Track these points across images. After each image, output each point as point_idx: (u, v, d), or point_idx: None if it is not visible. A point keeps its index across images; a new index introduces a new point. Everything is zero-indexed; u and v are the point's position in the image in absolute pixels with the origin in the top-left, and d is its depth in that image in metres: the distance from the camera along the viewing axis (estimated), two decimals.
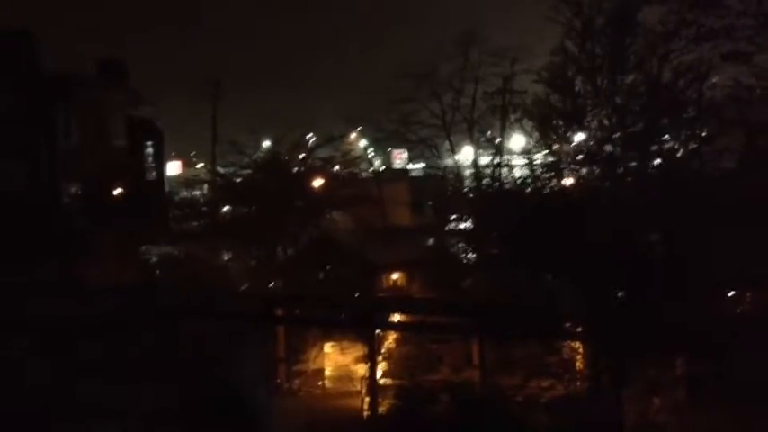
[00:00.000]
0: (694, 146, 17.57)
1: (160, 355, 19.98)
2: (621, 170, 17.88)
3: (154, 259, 30.33)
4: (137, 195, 31.16)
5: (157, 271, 29.05)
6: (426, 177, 34.93)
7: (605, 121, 17.89)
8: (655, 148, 17.87)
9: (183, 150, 45.57)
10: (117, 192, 31.37)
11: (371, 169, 36.56)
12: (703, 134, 17.54)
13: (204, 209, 31.22)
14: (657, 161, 18.11)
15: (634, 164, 17.98)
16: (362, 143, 38.62)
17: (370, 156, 37.68)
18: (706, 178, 17.41)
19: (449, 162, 30.70)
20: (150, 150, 33.83)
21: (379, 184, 34.00)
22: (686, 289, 16.02)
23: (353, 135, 37.98)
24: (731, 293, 17.57)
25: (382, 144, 36.55)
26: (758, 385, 14.39)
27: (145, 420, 18.19)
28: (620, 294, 17.16)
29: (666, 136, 17.70)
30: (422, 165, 35.68)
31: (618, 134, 17.73)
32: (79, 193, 30.36)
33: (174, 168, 43.59)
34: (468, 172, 29.46)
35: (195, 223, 30.35)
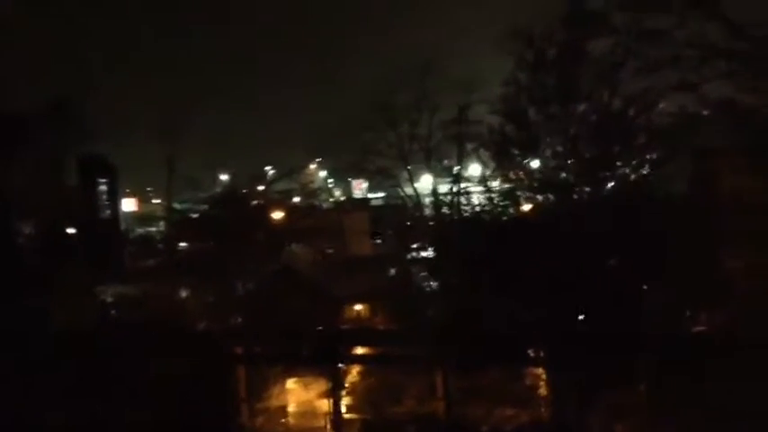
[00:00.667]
0: (645, 171, 17.93)
1: (115, 396, 19.44)
2: (576, 196, 18.12)
3: (109, 299, 29.63)
4: (91, 233, 30.52)
5: (113, 310, 28.37)
6: (387, 206, 35.05)
7: (559, 149, 18.17)
8: (608, 173, 18.17)
9: (138, 187, 44.92)
10: (70, 230, 30.67)
11: (332, 200, 36.55)
12: (654, 159, 17.91)
13: (161, 245, 30.70)
14: (610, 186, 18.39)
15: (588, 189, 18.24)
16: (322, 174, 38.62)
17: (329, 186, 37.68)
18: (657, 202, 17.74)
19: (408, 191, 30.83)
20: (104, 188, 33.26)
21: (339, 214, 33.94)
22: (643, 312, 16.21)
23: (313, 166, 37.97)
24: (687, 314, 17.85)
25: (341, 174, 36.64)
26: (717, 408, 14.58)
27: None
28: (580, 318, 17.28)
29: (619, 162, 18.02)
30: (382, 194, 35.82)
31: (572, 161, 18.00)
32: (32, 232, 29.61)
33: (129, 205, 42.90)
34: (427, 200, 29.61)
35: (152, 260, 29.80)
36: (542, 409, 18.89)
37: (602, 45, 17.08)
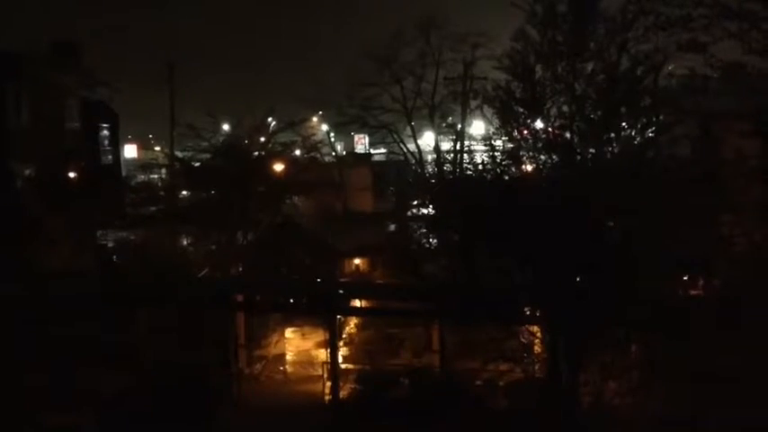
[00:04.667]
0: (651, 134, 17.80)
1: (115, 341, 19.73)
2: (579, 157, 18.04)
3: (110, 244, 29.82)
4: (91, 179, 30.53)
5: (114, 256, 28.58)
6: (388, 162, 35.03)
7: (564, 108, 18.01)
8: (612, 135, 18.05)
9: (140, 133, 44.77)
10: (71, 175, 30.66)
11: (333, 154, 36.50)
12: (660, 122, 17.77)
13: (162, 193, 30.72)
14: (614, 148, 18.29)
15: (592, 151, 18.16)
16: (324, 127, 38.48)
17: (331, 140, 37.57)
18: (661, 165, 17.67)
19: (411, 147, 30.80)
20: (105, 133, 33.12)
21: (340, 168, 33.97)
22: (640, 274, 16.32)
23: (315, 119, 37.80)
24: (684, 278, 17.96)
25: (344, 128, 36.47)
26: (709, 369, 14.79)
27: (96, 409, 17.95)
28: (577, 279, 17.40)
29: (624, 124, 17.88)
30: (383, 150, 35.78)
31: (577, 121, 17.86)
32: (32, 175, 29.61)
33: (130, 151, 42.82)
34: (429, 157, 29.59)
35: (153, 208, 29.88)
36: (536, 366, 19.18)
37: (613, 3, 16.83)
